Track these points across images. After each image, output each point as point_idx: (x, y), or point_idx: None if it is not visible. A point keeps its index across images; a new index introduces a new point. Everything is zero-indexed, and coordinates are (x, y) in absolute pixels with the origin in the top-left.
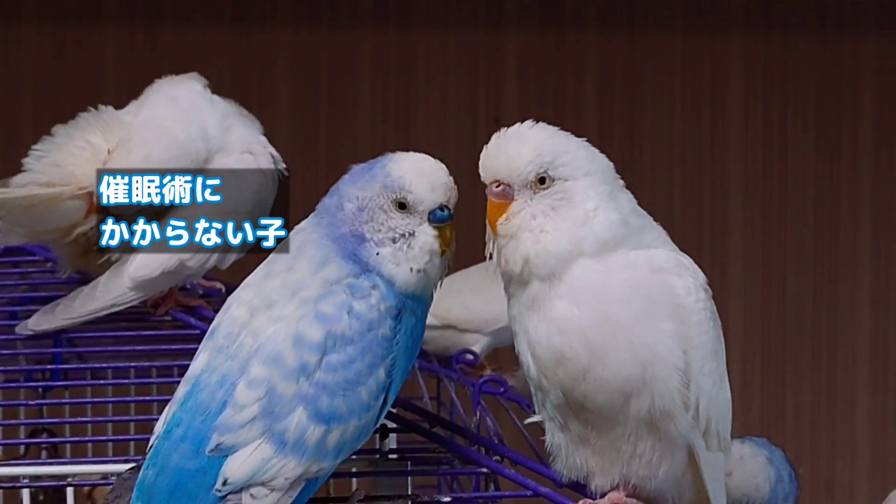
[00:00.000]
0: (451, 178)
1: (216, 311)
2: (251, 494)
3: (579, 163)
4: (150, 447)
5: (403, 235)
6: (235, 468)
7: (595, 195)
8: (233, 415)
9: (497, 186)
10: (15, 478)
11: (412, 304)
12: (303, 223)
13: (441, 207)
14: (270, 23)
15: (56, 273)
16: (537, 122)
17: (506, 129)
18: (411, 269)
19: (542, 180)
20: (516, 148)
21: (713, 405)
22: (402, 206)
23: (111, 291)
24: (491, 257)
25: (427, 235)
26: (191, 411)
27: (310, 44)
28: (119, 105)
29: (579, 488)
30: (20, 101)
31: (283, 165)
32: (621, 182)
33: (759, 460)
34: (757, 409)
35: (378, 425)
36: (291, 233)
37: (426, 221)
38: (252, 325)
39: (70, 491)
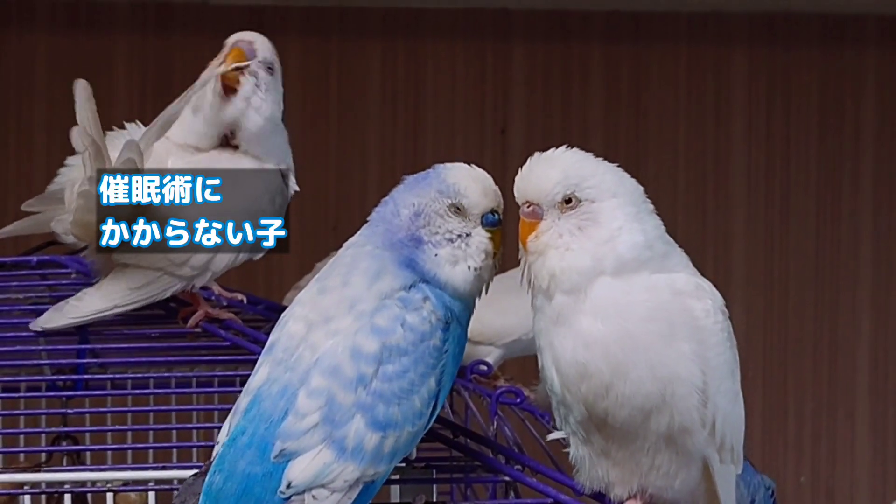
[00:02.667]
0: (497, 188)
1: (244, 322)
2: (313, 496)
3: (606, 185)
4: (216, 455)
5: (460, 236)
6: (299, 472)
7: (621, 215)
8: (295, 422)
9: (528, 207)
10: (59, 483)
11: (459, 313)
12: (354, 237)
13: (492, 212)
14: (280, 32)
15: (83, 285)
16: (545, 141)
17: (540, 153)
18: (469, 268)
19: (569, 201)
20: (545, 170)
21: (728, 422)
22: (457, 210)
23: (112, 293)
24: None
25: (482, 237)
26: (254, 420)
27: (319, 54)
28: (131, 112)
29: (599, 497)
30: (32, 107)
31: (294, 188)
32: (650, 206)
33: None
34: (758, 419)
35: (427, 430)
36: (342, 248)
37: (479, 225)
38: (310, 338)
39: (109, 496)
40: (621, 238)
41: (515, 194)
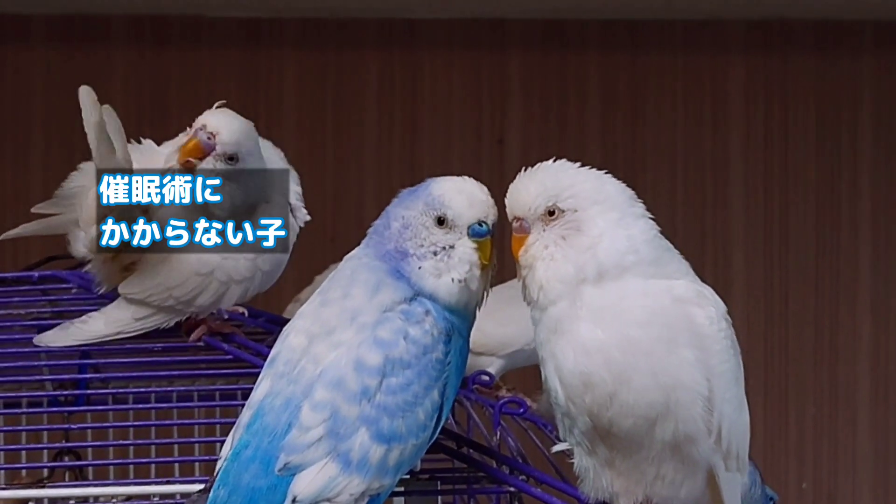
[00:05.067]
0: (492, 199)
1: (246, 335)
2: None
3: (586, 193)
4: (219, 469)
5: (444, 248)
6: (304, 486)
7: (602, 223)
8: (299, 436)
9: (516, 222)
10: (62, 499)
11: (459, 325)
12: (354, 250)
13: (480, 223)
14: (277, 43)
15: (84, 300)
16: (541, 151)
17: (526, 168)
18: (452, 280)
19: (552, 213)
20: (525, 185)
21: (734, 429)
22: (441, 222)
23: (117, 320)
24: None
25: (466, 248)
26: (258, 434)
27: (316, 64)
28: (128, 126)
29: None
30: (30, 121)
31: (305, 218)
32: (639, 210)
33: None
34: (760, 425)
35: (431, 443)
36: (343, 260)
37: (465, 236)
38: (312, 351)
39: None
40: (602, 245)
41: (507, 212)
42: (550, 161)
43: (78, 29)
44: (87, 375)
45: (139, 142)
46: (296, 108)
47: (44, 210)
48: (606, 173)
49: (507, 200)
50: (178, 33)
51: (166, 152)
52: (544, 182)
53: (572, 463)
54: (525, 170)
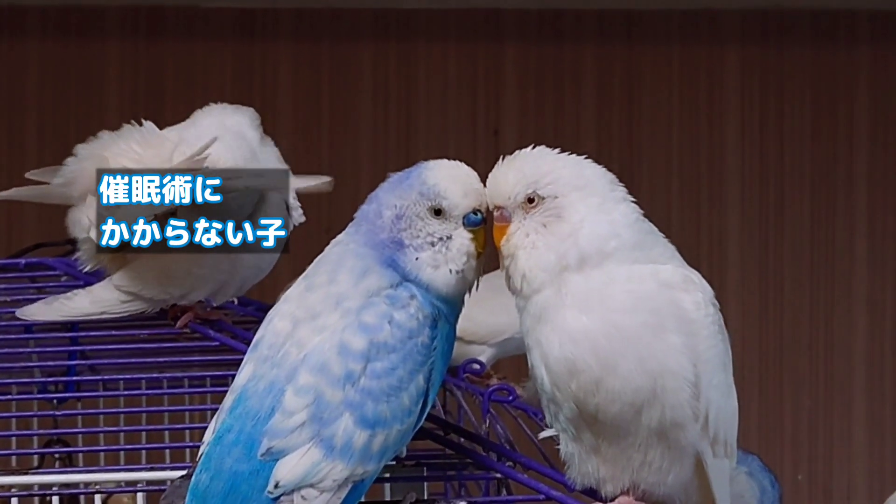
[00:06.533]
0: (482, 185)
1: (234, 324)
2: (302, 496)
3: (565, 179)
4: (201, 454)
5: (441, 239)
6: (287, 471)
7: (583, 208)
8: (282, 420)
9: (497, 211)
10: (46, 486)
11: (446, 311)
12: (340, 235)
13: (474, 212)
14: (272, 36)
15: (71, 287)
16: (537, 142)
17: (504, 156)
18: (450, 271)
19: (532, 200)
20: (504, 174)
21: (721, 415)
22: (437, 212)
23: (103, 300)
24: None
25: (463, 238)
26: (241, 417)
27: (311, 56)
28: (123, 117)
29: (591, 493)
30: (24, 113)
31: (301, 219)
32: (620, 194)
33: (741, 479)
34: (755, 417)
35: (417, 429)
36: (329, 245)
37: (461, 226)
38: (296, 335)
39: (98, 498)
40: (583, 231)
41: (488, 201)
42: (529, 148)
43: (73, 20)
44: (77, 362)
45: (140, 124)
46: (291, 99)
47: (39, 177)
48: (586, 158)
49: (488, 190)
50: (173, 24)
51: (172, 136)
52: (523, 169)
53: (560, 449)
54: (503, 158)
